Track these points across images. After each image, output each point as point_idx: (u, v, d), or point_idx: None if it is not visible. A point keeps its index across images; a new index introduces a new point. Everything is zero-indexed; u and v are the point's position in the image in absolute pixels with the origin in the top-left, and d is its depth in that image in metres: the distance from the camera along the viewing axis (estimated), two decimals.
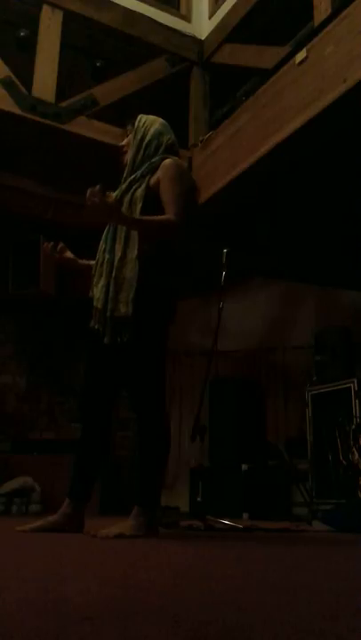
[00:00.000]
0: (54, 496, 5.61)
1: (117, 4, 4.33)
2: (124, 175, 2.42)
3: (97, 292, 2.32)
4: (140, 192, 2.29)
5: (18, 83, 3.89)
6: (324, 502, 4.08)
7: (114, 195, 2.40)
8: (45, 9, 4.09)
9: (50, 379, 6.49)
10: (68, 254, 2.62)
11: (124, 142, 2.51)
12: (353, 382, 4.24)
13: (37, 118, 3.92)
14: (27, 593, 0.95)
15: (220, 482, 4.69)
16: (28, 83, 3.95)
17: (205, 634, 0.67)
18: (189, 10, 4.81)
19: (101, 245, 2.39)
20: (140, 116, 2.51)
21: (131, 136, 2.47)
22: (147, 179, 2.31)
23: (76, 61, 4.65)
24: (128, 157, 2.44)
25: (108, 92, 4.26)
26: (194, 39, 4.64)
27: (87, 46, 4.65)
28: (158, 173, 2.30)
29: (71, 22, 4.18)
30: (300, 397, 5.07)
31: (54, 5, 4.10)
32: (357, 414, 4.03)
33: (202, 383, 3.37)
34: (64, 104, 4.03)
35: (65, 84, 4.18)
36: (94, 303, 2.33)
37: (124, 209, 2.28)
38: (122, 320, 2.21)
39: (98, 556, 1.67)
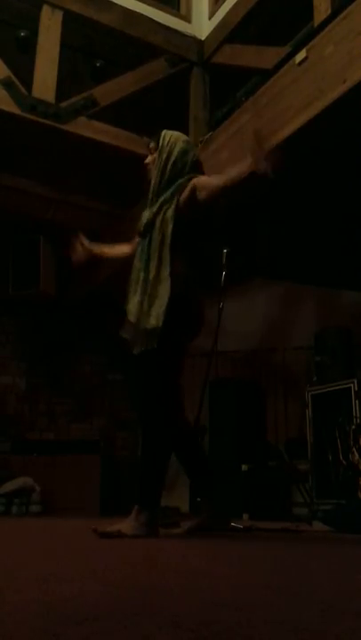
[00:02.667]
0: (54, 497, 5.62)
1: (117, 5, 4.33)
2: (150, 195, 2.50)
3: (132, 306, 2.41)
4: (170, 213, 2.38)
5: (18, 83, 3.89)
6: (325, 502, 4.08)
7: (145, 215, 2.49)
8: (45, 9, 4.09)
9: (50, 379, 6.49)
10: (95, 250, 2.74)
11: (148, 160, 2.57)
12: (353, 383, 4.23)
13: (37, 118, 3.92)
14: (27, 593, 0.95)
15: (221, 482, 4.69)
16: (29, 83, 3.95)
17: (205, 634, 0.67)
18: (189, 10, 4.81)
19: (135, 264, 2.48)
20: (163, 133, 2.54)
21: (156, 154, 2.52)
22: (175, 199, 2.39)
23: (76, 62, 4.65)
24: (153, 177, 2.50)
25: (107, 92, 4.25)
26: (194, 39, 4.64)
27: (87, 46, 4.65)
28: (185, 192, 2.38)
29: (71, 22, 4.18)
30: (301, 398, 5.06)
31: (54, 6, 4.10)
32: (357, 415, 4.03)
33: (202, 384, 3.37)
34: (64, 104, 4.03)
35: (65, 85, 4.17)
36: (128, 316, 2.42)
37: (156, 230, 2.40)
38: (151, 331, 2.31)
39: (98, 557, 1.67)
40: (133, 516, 2.23)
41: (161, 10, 4.57)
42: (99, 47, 4.63)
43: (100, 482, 5.83)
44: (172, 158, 2.46)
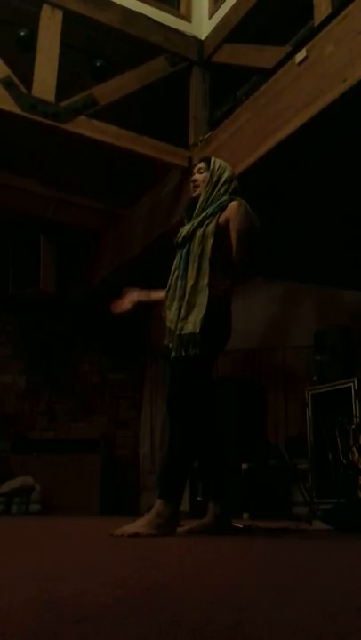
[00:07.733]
0: (54, 496, 5.62)
1: (117, 4, 4.32)
2: (197, 210, 2.69)
3: (170, 314, 2.59)
4: (210, 228, 2.56)
5: (18, 82, 3.88)
6: (325, 502, 4.08)
7: (185, 228, 2.67)
8: (45, 8, 4.08)
9: (50, 379, 6.49)
10: (141, 296, 2.86)
11: (197, 177, 2.78)
12: (353, 382, 4.24)
13: (37, 118, 3.91)
14: (27, 593, 0.95)
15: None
16: (28, 82, 3.95)
17: (205, 634, 0.67)
18: (189, 10, 4.80)
19: (174, 272, 2.66)
20: (213, 160, 2.79)
21: (206, 174, 2.74)
22: (217, 216, 2.58)
23: (76, 61, 4.64)
24: (201, 194, 2.71)
25: (108, 91, 4.25)
26: (194, 39, 4.63)
27: (87, 46, 4.64)
28: (227, 213, 2.56)
29: (71, 22, 4.17)
30: (301, 397, 5.07)
31: (54, 5, 4.09)
32: (357, 414, 4.03)
33: None
34: (64, 104, 4.03)
35: (65, 84, 4.17)
36: (167, 324, 2.58)
37: (196, 242, 2.59)
38: (188, 337, 2.45)
39: (97, 556, 1.67)
40: (156, 511, 2.32)
41: (161, 9, 4.56)
42: (99, 46, 4.62)
43: (100, 481, 5.83)
44: (220, 182, 2.69)
